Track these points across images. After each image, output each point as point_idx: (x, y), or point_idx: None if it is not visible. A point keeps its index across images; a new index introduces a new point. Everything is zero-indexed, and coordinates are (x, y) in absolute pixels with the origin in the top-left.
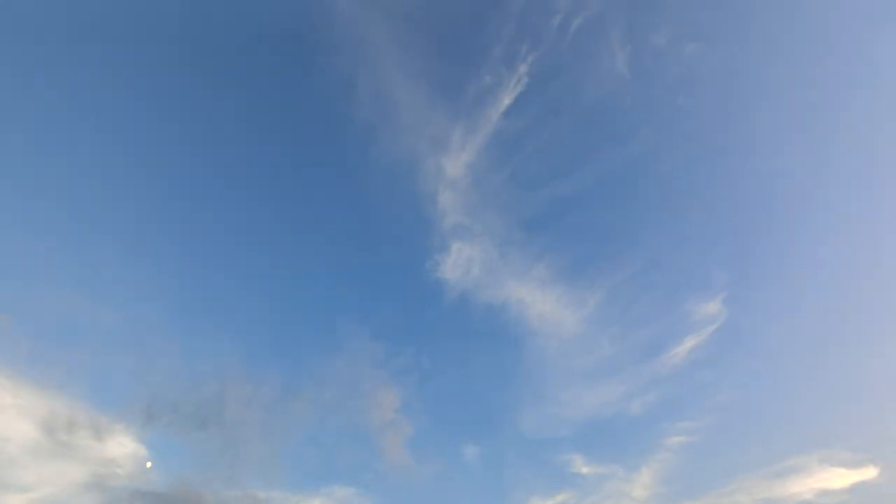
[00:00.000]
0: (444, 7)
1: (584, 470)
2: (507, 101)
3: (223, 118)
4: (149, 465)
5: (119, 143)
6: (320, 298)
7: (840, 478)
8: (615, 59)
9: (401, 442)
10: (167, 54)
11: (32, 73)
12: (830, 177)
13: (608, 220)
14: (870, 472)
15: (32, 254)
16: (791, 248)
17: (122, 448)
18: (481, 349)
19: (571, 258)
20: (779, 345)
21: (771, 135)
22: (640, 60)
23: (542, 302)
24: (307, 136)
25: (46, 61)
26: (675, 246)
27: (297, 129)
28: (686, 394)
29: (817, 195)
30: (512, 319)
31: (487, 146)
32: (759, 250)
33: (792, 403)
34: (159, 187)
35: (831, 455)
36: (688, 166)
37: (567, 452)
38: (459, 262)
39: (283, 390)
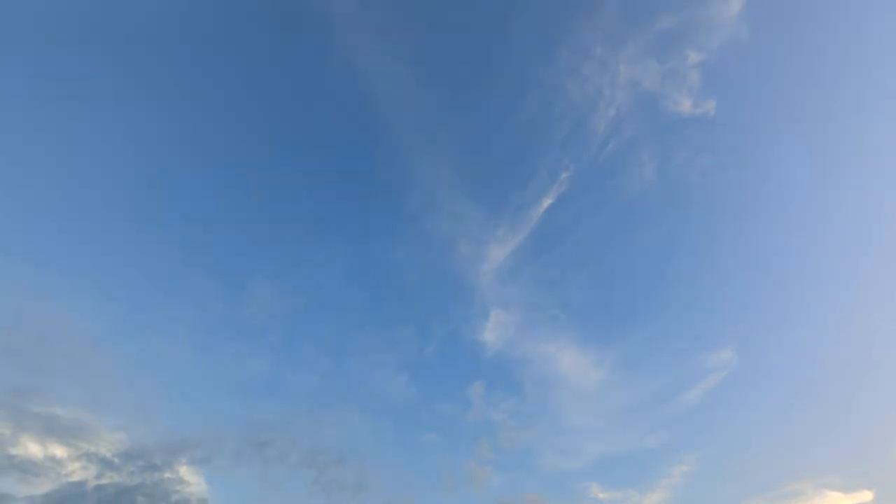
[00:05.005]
0: (495, 138)
1: (601, 496)
2: (548, 201)
3: (299, 207)
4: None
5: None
6: (366, 360)
7: (836, 502)
8: (644, 169)
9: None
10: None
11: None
12: (825, 241)
13: (630, 294)
14: (865, 497)
15: None
16: (791, 299)
17: None
18: (511, 399)
19: (596, 326)
20: (780, 381)
21: (771, 210)
22: (665, 169)
23: (567, 359)
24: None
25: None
26: (690, 308)
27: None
28: (697, 429)
29: (813, 255)
30: (539, 373)
31: (527, 240)
32: (765, 305)
33: (788, 432)
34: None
35: (827, 481)
36: (702, 242)
37: (584, 481)
38: (496, 327)
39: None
